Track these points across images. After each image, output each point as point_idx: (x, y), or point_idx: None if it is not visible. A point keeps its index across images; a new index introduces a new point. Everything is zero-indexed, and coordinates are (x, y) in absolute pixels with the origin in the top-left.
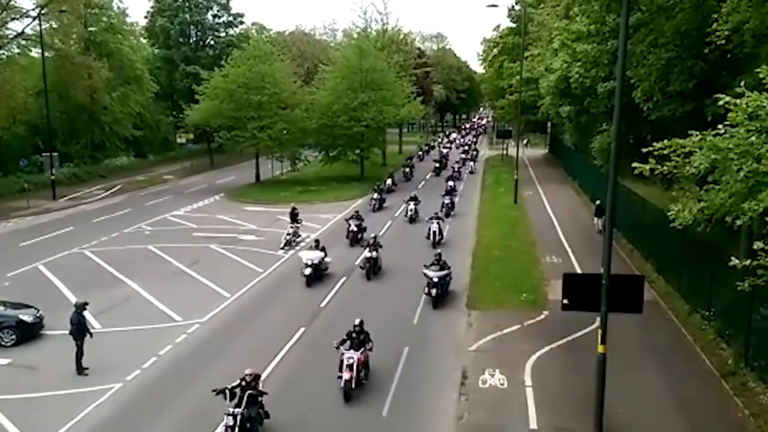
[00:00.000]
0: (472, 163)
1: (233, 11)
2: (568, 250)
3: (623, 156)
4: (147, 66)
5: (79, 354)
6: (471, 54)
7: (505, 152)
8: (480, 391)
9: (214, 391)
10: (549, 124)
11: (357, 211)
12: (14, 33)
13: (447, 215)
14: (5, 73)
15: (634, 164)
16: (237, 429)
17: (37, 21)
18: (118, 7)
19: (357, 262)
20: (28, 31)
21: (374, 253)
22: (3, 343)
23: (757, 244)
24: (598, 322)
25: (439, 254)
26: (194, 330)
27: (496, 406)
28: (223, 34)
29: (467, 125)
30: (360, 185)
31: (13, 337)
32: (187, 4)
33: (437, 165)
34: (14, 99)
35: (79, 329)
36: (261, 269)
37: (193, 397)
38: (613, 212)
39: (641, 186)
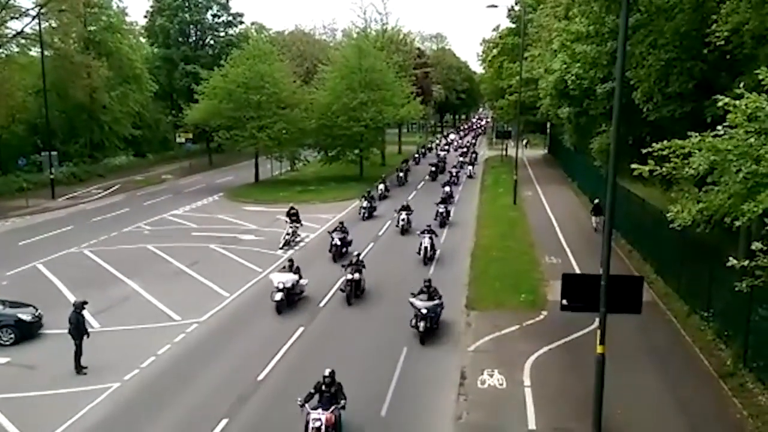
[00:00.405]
0: (470, 167)
1: (233, 11)
2: (568, 250)
3: (622, 157)
4: (146, 65)
5: (78, 353)
6: (470, 54)
7: (504, 153)
8: (479, 392)
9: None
10: (548, 125)
11: (341, 222)
12: (13, 32)
13: (442, 225)
14: (4, 72)
15: (633, 165)
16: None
17: (36, 20)
18: (118, 7)
19: (339, 284)
20: (27, 30)
21: (356, 275)
22: (2, 342)
23: (756, 245)
24: (597, 323)
25: (429, 281)
26: (193, 329)
27: (495, 407)
28: (222, 34)
29: (466, 126)
30: (359, 185)
31: (12, 336)
32: (186, 3)
33: (433, 169)
34: (13, 98)
35: (78, 328)
36: (260, 269)
37: (192, 397)
38: (612, 213)
39: (640, 187)
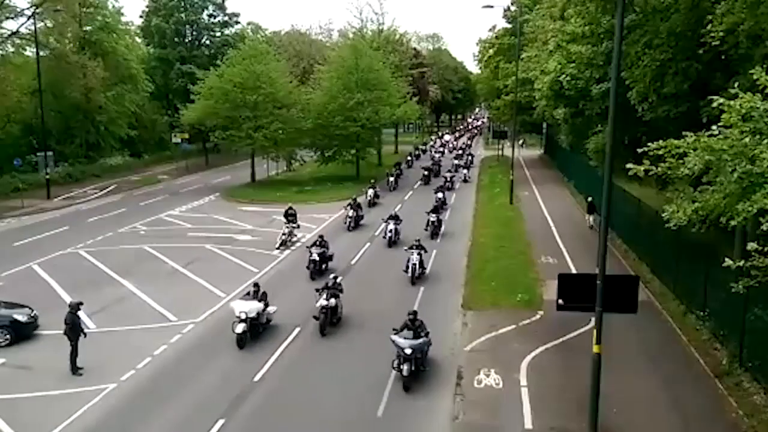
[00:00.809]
0: (465, 171)
1: (229, 11)
2: (564, 250)
3: (618, 157)
4: (142, 65)
5: (74, 354)
6: (467, 54)
7: (500, 153)
8: (475, 391)
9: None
10: (544, 125)
11: (321, 236)
12: (9, 32)
13: (433, 236)
14: (0, 72)
15: (629, 165)
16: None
17: (31, 20)
18: (113, 7)
19: (317, 307)
20: (22, 30)
21: (332, 301)
22: None
23: (751, 245)
24: (593, 323)
25: (414, 313)
26: (189, 330)
27: (492, 406)
28: (218, 34)
29: (461, 126)
30: (355, 185)
31: (8, 336)
32: (182, 3)
33: (426, 173)
34: (9, 98)
35: (74, 329)
36: (256, 269)
37: (188, 398)
38: (608, 212)
39: (636, 187)
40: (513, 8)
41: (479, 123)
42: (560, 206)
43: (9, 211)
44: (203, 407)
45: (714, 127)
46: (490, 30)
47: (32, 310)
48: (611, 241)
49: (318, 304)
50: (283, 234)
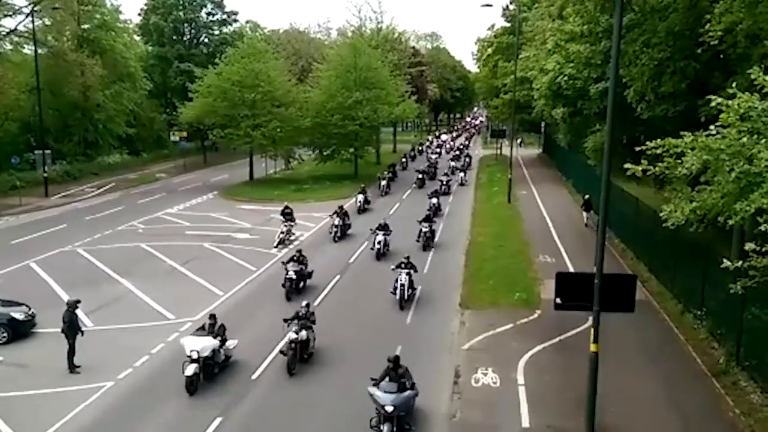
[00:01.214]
0: (462, 174)
1: (227, 9)
2: (561, 249)
3: (616, 156)
4: (140, 63)
5: (71, 352)
6: (465, 53)
7: (499, 152)
8: (473, 390)
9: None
10: (543, 124)
11: (299, 251)
12: (7, 30)
13: (426, 247)
14: None
15: (627, 165)
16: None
17: (29, 18)
18: (112, 4)
19: (283, 344)
20: (20, 28)
21: (303, 334)
22: None
23: (749, 245)
24: (590, 321)
25: (396, 359)
26: (187, 328)
27: (489, 405)
28: (217, 32)
29: (459, 125)
30: (354, 184)
31: (5, 335)
32: (180, 1)
33: (420, 176)
34: (6, 96)
35: (71, 327)
36: (254, 268)
37: (185, 396)
38: (605, 212)
39: (634, 186)
40: (512, 7)
41: (478, 122)
42: (558, 205)
43: (7, 209)
44: (200, 405)
45: (712, 127)
46: (489, 29)
47: (30, 308)
48: (609, 241)
49: (286, 338)
50: (281, 232)
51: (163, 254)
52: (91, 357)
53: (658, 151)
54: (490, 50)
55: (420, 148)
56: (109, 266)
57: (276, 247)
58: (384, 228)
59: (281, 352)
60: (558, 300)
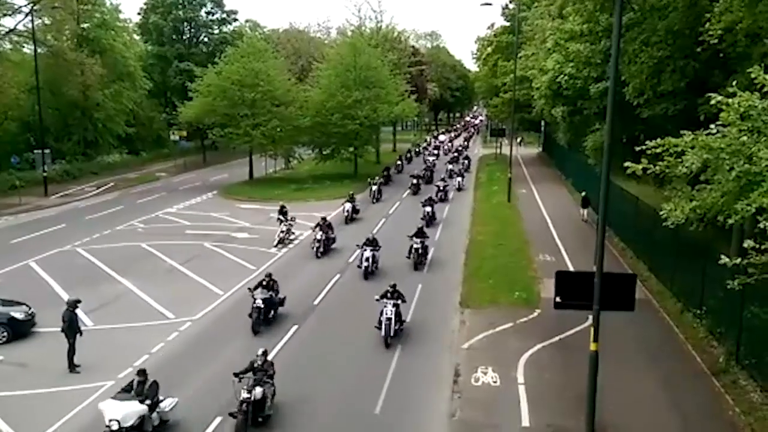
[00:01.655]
0: (459, 179)
1: (227, 8)
2: (561, 248)
3: (616, 155)
4: (140, 63)
5: (71, 351)
6: (465, 52)
7: (498, 151)
8: (472, 389)
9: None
10: (543, 123)
11: (269, 275)
12: (6, 29)
13: (417, 265)
14: None
15: (627, 163)
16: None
17: (29, 17)
18: (111, 4)
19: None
20: (20, 27)
21: (257, 391)
22: None
23: (748, 243)
24: (590, 320)
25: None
26: (186, 328)
27: (489, 404)
28: (216, 31)
29: (458, 125)
30: (353, 183)
31: (5, 334)
32: (180, 0)
33: (415, 181)
34: (6, 95)
35: (71, 327)
36: (254, 267)
37: (185, 396)
38: (605, 210)
39: (633, 185)
40: (511, 6)
41: (477, 121)
42: (558, 204)
43: (6, 208)
44: (200, 405)
45: (712, 126)
46: (489, 28)
47: (29, 308)
48: (609, 240)
49: (238, 397)
50: (281, 232)
51: (163, 253)
52: (90, 356)
53: (659, 151)
54: (489, 49)
55: (417, 149)
56: (108, 265)
57: (276, 246)
58: (372, 243)
59: (230, 414)
60: (558, 299)
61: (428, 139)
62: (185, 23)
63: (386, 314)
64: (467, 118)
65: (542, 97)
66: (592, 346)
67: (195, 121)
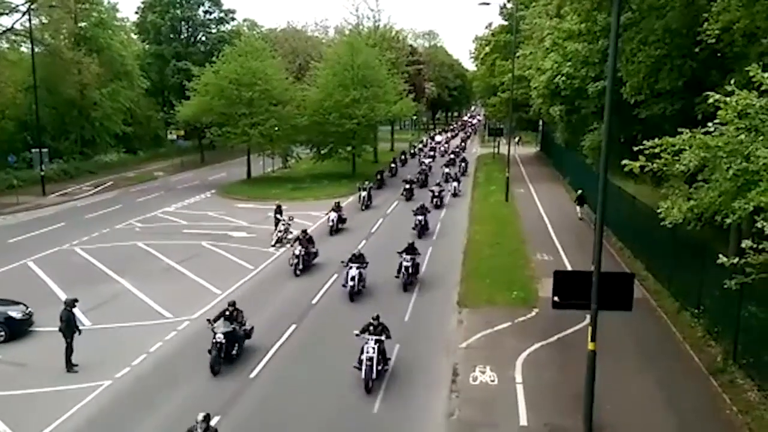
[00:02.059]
0: (456, 184)
1: (224, 7)
2: (559, 247)
3: (613, 154)
4: (137, 62)
5: (69, 351)
6: (463, 52)
7: (496, 150)
8: (470, 388)
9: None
10: (540, 122)
11: (233, 304)
12: (3, 28)
13: (407, 285)
14: None
15: (624, 161)
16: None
17: (26, 16)
18: (109, 3)
19: None
20: (17, 26)
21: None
22: None
23: (746, 243)
24: (588, 320)
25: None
26: (184, 327)
27: (487, 403)
28: (214, 31)
29: (456, 125)
30: (351, 183)
31: (2, 333)
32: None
33: (408, 186)
34: (3, 94)
35: (69, 326)
36: (252, 266)
37: (183, 395)
38: (603, 210)
39: (631, 184)
40: (509, 5)
41: (475, 120)
42: (556, 203)
43: (3, 207)
44: (199, 404)
45: (710, 124)
46: (487, 27)
47: (27, 307)
48: (606, 239)
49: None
50: (279, 231)
51: (161, 253)
52: (88, 356)
53: (656, 150)
54: (487, 49)
55: (412, 150)
56: (106, 265)
57: (274, 245)
58: (359, 259)
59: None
60: (556, 298)
61: (425, 140)
62: (183, 22)
63: (368, 353)
64: (465, 118)
65: (540, 96)
66: (590, 346)
67: (192, 120)
